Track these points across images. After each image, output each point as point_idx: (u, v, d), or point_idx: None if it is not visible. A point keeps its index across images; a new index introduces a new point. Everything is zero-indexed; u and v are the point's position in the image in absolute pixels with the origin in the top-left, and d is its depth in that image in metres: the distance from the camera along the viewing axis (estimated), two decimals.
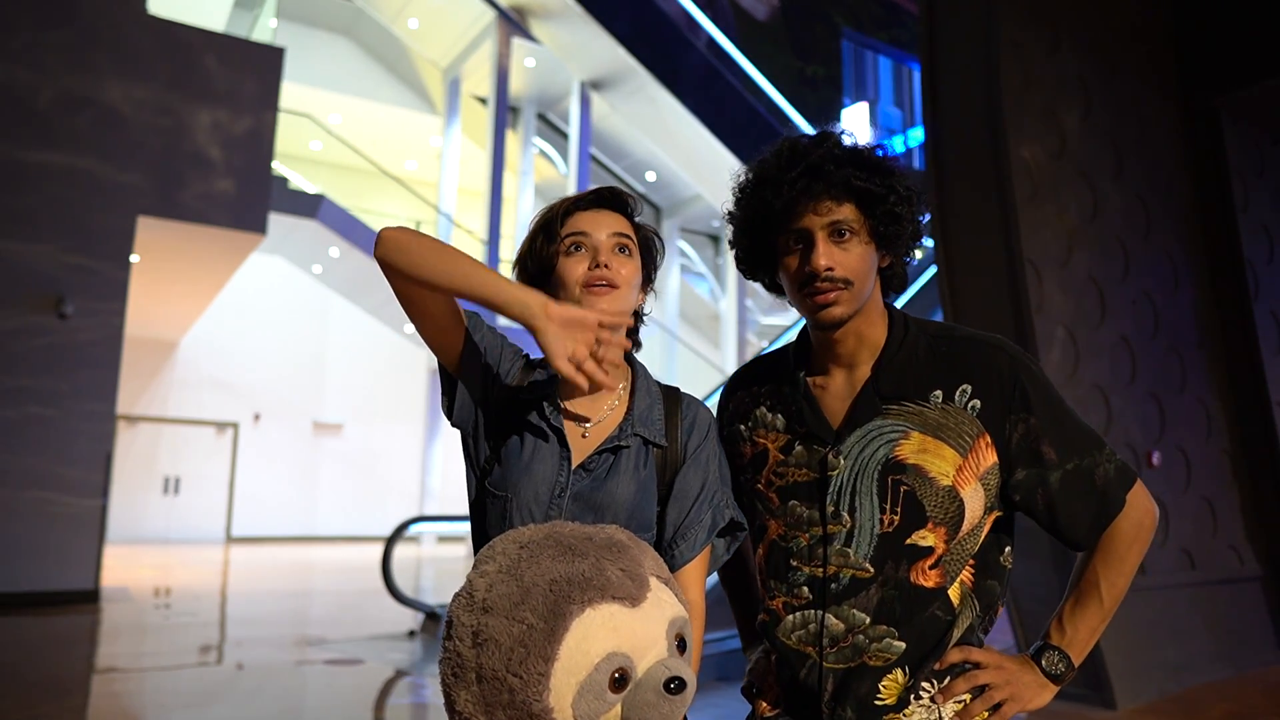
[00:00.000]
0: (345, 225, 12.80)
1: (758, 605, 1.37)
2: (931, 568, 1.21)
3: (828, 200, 1.20)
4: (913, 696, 1.21)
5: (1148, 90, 5.67)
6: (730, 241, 1.35)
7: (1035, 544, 4.31)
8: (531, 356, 1.40)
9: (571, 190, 13.29)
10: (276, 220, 11.48)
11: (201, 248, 9.44)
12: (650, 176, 17.05)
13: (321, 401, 17.30)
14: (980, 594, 1.25)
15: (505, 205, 14.78)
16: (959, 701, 1.22)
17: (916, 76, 11.95)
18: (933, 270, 7.86)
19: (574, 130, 14.82)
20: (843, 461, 1.23)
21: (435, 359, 1.34)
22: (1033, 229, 4.77)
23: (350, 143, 16.21)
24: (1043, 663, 1.24)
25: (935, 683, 1.22)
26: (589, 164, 15.03)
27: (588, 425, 1.30)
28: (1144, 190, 5.48)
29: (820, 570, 1.23)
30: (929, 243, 5.77)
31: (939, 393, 1.23)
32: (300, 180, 14.56)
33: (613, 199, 1.33)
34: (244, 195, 8.90)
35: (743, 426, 1.36)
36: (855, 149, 1.23)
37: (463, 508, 1.62)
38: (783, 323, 17.31)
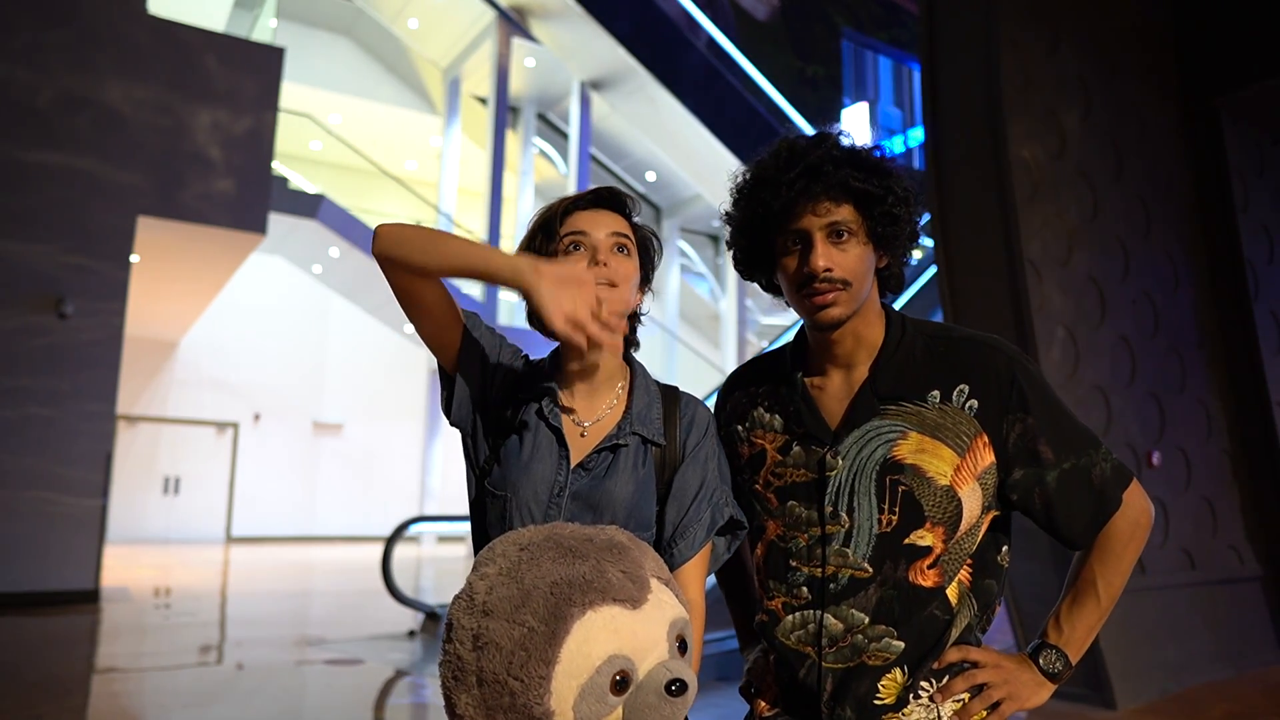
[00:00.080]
0: (345, 225, 12.80)
1: (755, 606, 1.37)
2: (930, 567, 1.21)
3: (826, 201, 1.20)
4: (911, 696, 1.21)
5: (1148, 90, 5.67)
6: (728, 242, 1.35)
7: (1035, 544, 4.31)
8: (531, 357, 1.41)
9: (571, 190, 13.29)
10: (276, 220, 11.49)
11: (201, 248, 9.45)
12: (650, 176, 17.06)
13: (321, 401, 17.30)
14: (978, 593, 1.26)
15: (505, 205, 14.79)
16: (958, 700, 1.22)
17: (916, 76, 11.96)
18: (933, 270, 7.86)
19: (574, 130, 14.82)
20: (841, 462, 1.24)
21: (435, 359, 1.34)
22: (1033, 229, 4.77)
23: (350, 143, 16.21)
24: (1040, 661, 1.24)
25: (934, 682, 1.22)
26: (589, 164, 15.04)
27: (586, 424, 1.30)
28: (1144, 190, 5.48)
29: (819, 570, 1.24)
30: (929, 243, 5.78)
31: (936, 393, 1.23)
32: (300, 180, 14.56)
33: (611, 199, 1.33)
34: (244, 195, 8.90)
35: (740, 427, 1.37)
36: (853, 150, 1.23)
37: (463, 508, 1.62)
38: (782, 323, 17.32)
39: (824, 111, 20.62)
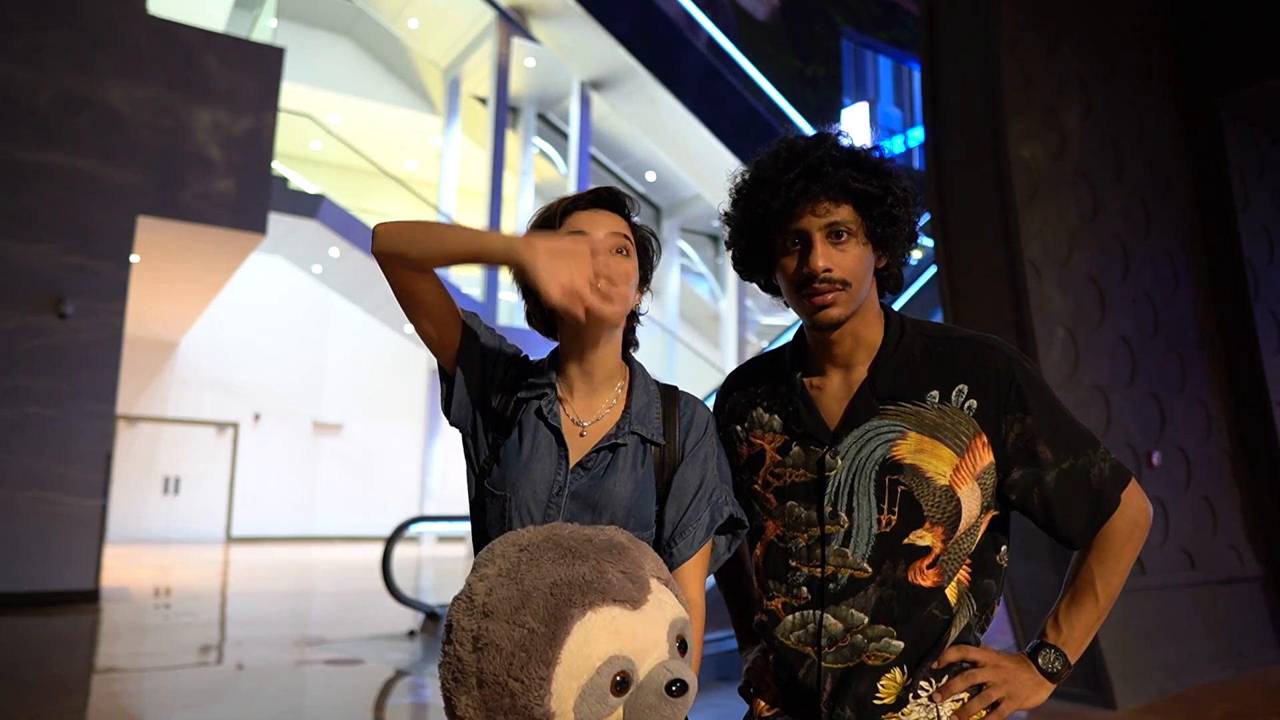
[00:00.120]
0: (345, 225, 12.80)
1: (754, 606, 1.37)
2: (929, 567, 1.21)
3: (825, 201, 1.20)
4: (911, 696, 1.21)
5: (1148, 90, 5.67)
6: (727, 242, 1.35)
7: (1035, 544, 4.31)
8: (530, 357, 1.41)
9: (571, 190, 13.29)
10: (276, 220, 11.49)
11: (201, 248, 9.45)
12: (650, 176, 17.06)
13: (321, 401, 17.30)
14: (977, 593, 1.26)
15: (505, 205, 14.79)
16: (957, 700, 1.22)
17: (916, 76, 11.96)
18: (933, 270, 7.86)
19: (574, 130, 14.82)
20: (840, 462, 1.24)
21: (435, 359, 1.34)
22: (1033, 229, 4.76)
23: (350, 143, 16.21)
24: (1039, 661, 1.24)
25: (933, 682, 1.22)
26: (589, 164, 15.03)
27: (585, 424, 1.30)
28: (1144, 190, 5.48)
29: (819, 570, 1.24)
30: (929, 243, 5.78)
31: (935, 393, 1.23)
32: (300, 180, 14.56)
33: (610, 199, 1.33)
34: (244, 195, 8.90)
35: (739, 427, 1.37)
36: (853, 150, 1.23)
37: (463, 508, 1.62)
38: (782, 323, 17.32)
39: (824, 111, 20.63)
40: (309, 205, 12.55)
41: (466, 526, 1.44)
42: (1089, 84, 5.27)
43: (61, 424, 7.86)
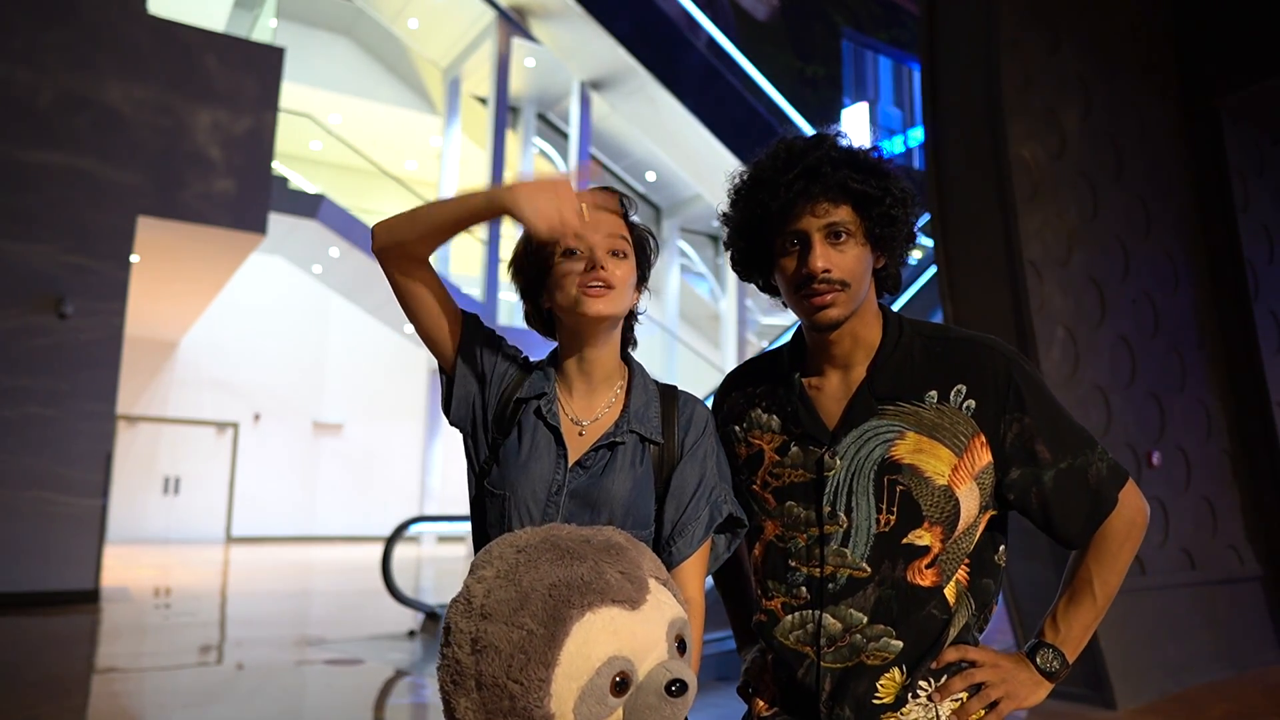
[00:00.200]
0: (345, 225, 12.80)
1: (752, 606, 1.37)
2: (928, 567, 1.22)
3: (824, 202, 1.21)
4: (910, 695, 1.21)
5: (1148, 90, 5.67)
6: (726, 243, 1.35)
7: (1035, 544, 4.31)
8: (530, 358, 1.41)
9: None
10: (276, 220, 11.48)
11: (201, 248, 9.44)
12: (650, 176, 17.05)
13: (321, 401, 17.30)
14: (976, 593, 1.26)
15: None
16: (955, 700, 1.22)
17: (916, 76, 11.96)
18: (933, 270, 7.86)
19: (574, 130, 14.81)
20: (839, 462, 1.24)
21: (435, 359, 1.35)
22: (1033, 229, 4.77)
23: (350, 143, 16.21)
24: (1037, 660, 1.24)
25: (932, 681, 1.23)
26: (589, 164, 15.03)
27: (584, 424, 1.31)
28: (1144, 190, 5.48)
29: (817, 570, 1.24)
30: (929, 242, 5.78)
31: (934, 393, 1.24)
32: (300, 180, 14.56)
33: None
34: (244, 195, 8.90)
35: (738, 428, 1.37)
36: (852, 151, 1.23)
37: (463, 508, 1.62)
38: (782, 323, 17.31)
39: (824, 111, 20.62)
40: (309, 205, 12.54)
41: (466, 526, 1.44)
42: (1089, 84, 5.27)
43: (61, 424, 7.86)
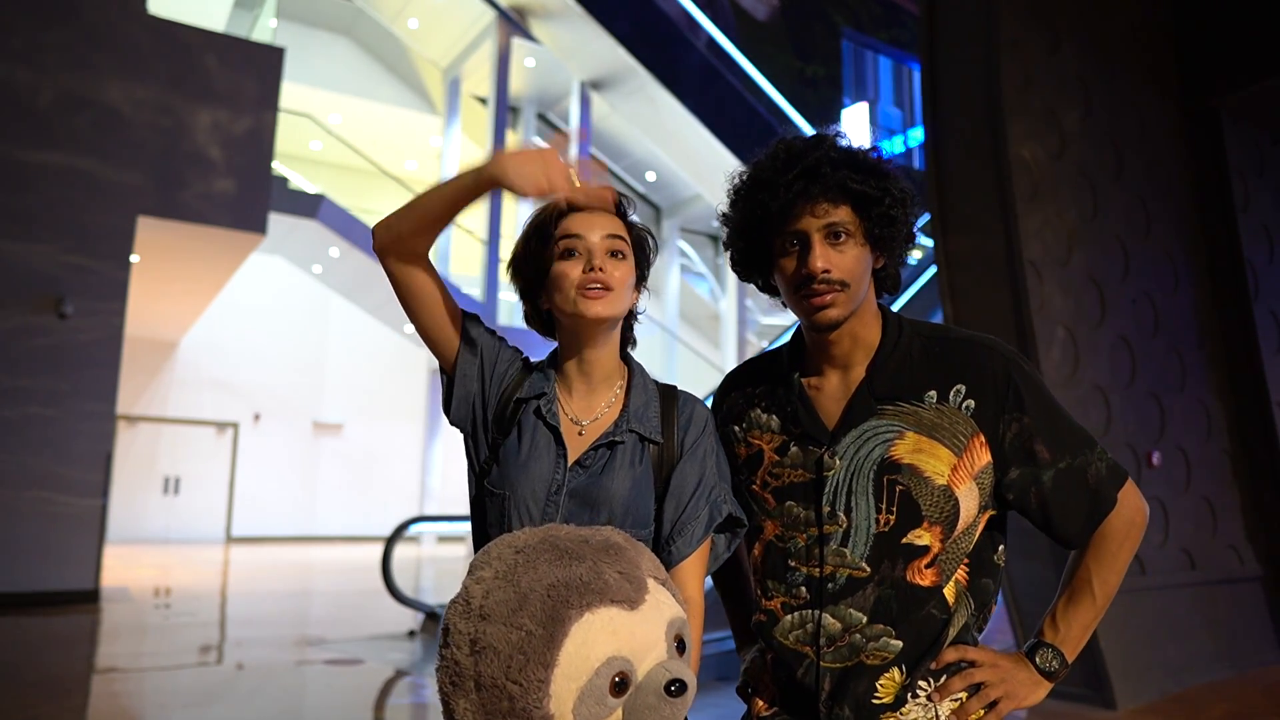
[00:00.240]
0: (345, 225, 12.80)
1: (751, 606, 1.37)
2: (927, 567, 1.22)
3: (824, 203, 1.21)
4: (909, 695, 1.21)
5: (1148, 90, 5.67)
6: (725, 243, 1.35)
7: (1035, 544, 4.31)
8: (531, 359, 1.41)
9: None
10: (276, 220, 11.48)
11: (201, 248, 9.44)
12: (650, 176, 17.05)
13: (321, 401, 17.30)
14: (975, 592, 1.26)
15: (505, 205, 14.79)
16: (955, 700, 1.22)
17: (916, 76, 11.96)
18: (933, 270, 7.86)
19: (574, 130, 14.81)
20: (838, 462, 1.24)
21: (436, 359, 1.35)
22: (1033, 229, 4.77)
23: (350, 143, 16.21)
24: (1036, 660, 1.25)
25: (931, 681, 1.23)
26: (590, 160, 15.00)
27: (584, 424, 1.31)
28: (1144, 190, 5.48)
29: (817, 570, 1.24)
30: (929, 242, 5.78)
31: (933, 393, 1.24)
32: (300, 180, 14.56)
33: None
34: (244, 195, 8.90)
35: (737, 428, 1.37)
36: (851, 151, 1.23)
37: (463, 508, 1.62)
38: (782, 323, 17.31)
39: (824, 111, 20.62)
40: (309, 205, 12.54)
41: (466, 526, 1.44)
42: (1089, 84, 5.27)
43: (61, 424, 7.86)
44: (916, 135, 20.81)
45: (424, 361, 16.75)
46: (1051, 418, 1.24)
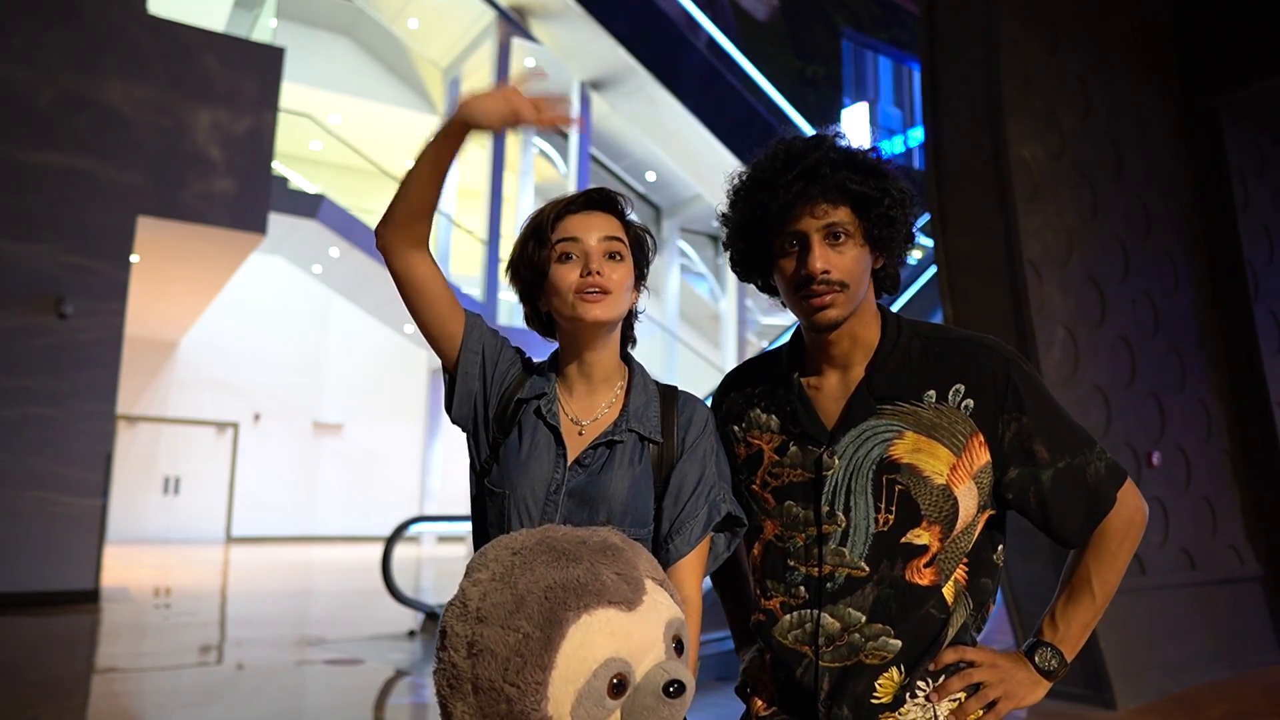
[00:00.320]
0: (345, 225, 12.80)
1: (750, 606, 1.37)
2: (926, 566, 1.22)
3: (823, 203, 1.21)
4: (908, 695, 1.21)
5: (1148, 90, 5.67)
6: (725, 243, 1.35)
7: (1035, 544, 4.31)
8: (533, 359, 1.41)
9: (572, 190, 13.23)
10: (276, 220, 11.48)
11: (201, 248, 9.44)
12: (650, 176, 17.05)
13: (321, 401, 17.30)
14: (974, 592, 1.26)
15: (505, 205, 14.79)
16: (954, 700, 1.22)
17: (916, 76, 11.96)
18: (933, 270, 7.86)
19: (574, 130, 14.81)
20: (837, 461, 1.24)
21: (436, 358, 1.35)
22: (1033, 229, 4.77)
23: (350, 143, 16.21)
24: (1036, 659, 1.25)
25: (930, 682, 1.22)
26: (589, 164, 15.03)
27: (584, 424, 1.31)
28: (1144, 190, 5.48)
29: (816, 570, 1.24)
30: (929, 242, 5.78)
31: (932, 393, 1.24)
32: (300, 180, 14.55)
33: (602, 200, 1.33)
34: (244, 195, 8.90)
35: (736, 428, 1.37)
36: (850, 152, 1.23)
37: (463, 508, 1.63)
38: (782, 323, 17.31)
39: (824, 111, 20.62)
40: (309, 205, 12.54)
41: (467, 526, 1.44)
42: (1089, 84, 5.27)
43: (61, 424, 7.86)
44: (916, 135, 20.81)
45: (424, 361, 16.75)
46: (1050, 417, 1.24)
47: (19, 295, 7.78)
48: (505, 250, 14.62)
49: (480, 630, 0.97)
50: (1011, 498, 1.25)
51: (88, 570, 7.88)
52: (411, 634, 6.87)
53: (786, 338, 1.42)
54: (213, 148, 8.77)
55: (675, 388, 1.37)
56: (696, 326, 18.17)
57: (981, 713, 1.22)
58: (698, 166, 15.26)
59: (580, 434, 1.30)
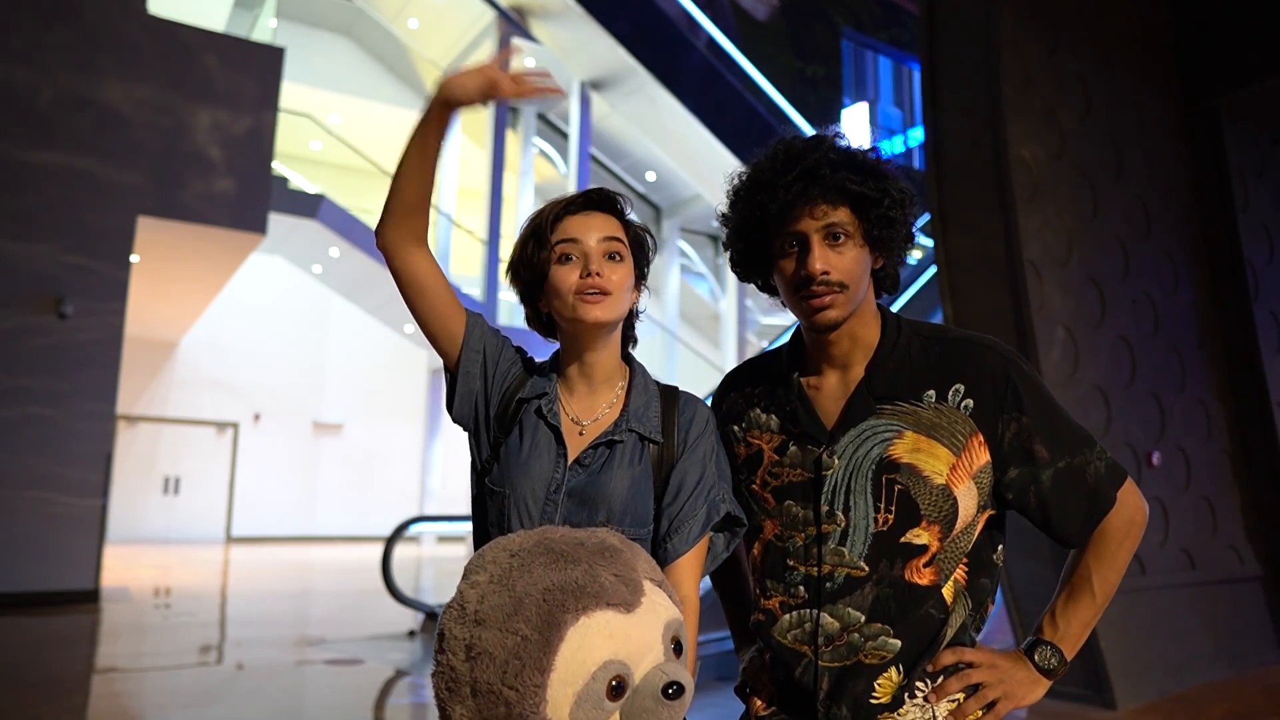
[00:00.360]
0: (345, 225, 12.80)
1: (750, 605, 1.37)
2: (926, 566, 1.22)
3: (823, 204, 1.21)
4: (907, 695, 1.21)
5: (1148, 90, 5.67)
6: (725, 243, 1.35)
7: (1035, 544, 4.31)
8: (536, 359, 1.41)
9: (572, 190, 13.22)
10: (276, 220, 11.48)
11: (201, 248, 9.45)
12: (650, 176, 17.05)
13: (321, 401, 17.30)
14: (973, 592, 1.26)
15: (505, 205, 14.78)
16: (952, 701, 1.22)
17: (916, 76, 11.96)
18: (933, 270, 7.85)
19: (574, 130, 14.81)
20: (837, 461, 1.24)
21: (437, 358, 1.36)
22: (1033, 229, 4.76)
23: (350, 143, 16.20)
24: (1035, 658, 1.25)
25: (929, 682, 1.23)
26: (589, 164, 15.03)
27: (585, 424, 1.31)
28: (1144, 190, 5.48)
29: (815, 569, 1.24)
30: (929, 242, 5.77)
31: (932, 392, 1.24)
32: (300, 180, 14.55)
33: (602, 200, 1.33)
34: (244, 195, 8.90)
35: (736, 428, 1.37)
36: (850, 152, 1.23)
37: (463, 508, 1.63)
38: (782, 323, 17.31)
39: (824, 111, 20.62)
40: (309, 205, 12.54)
41: (467, 526, 1.45)
42: (1089, 84, 5.27)
43: (61, 424, 7.86)
44: (916, 135, 20.81)
45: (424, 361, 16.76)
46: (1050, 417, 1.24)
47: (19, 295, 7.78)
48: (505, 250, 14.61)
49: (478, 633, 0.96)
50: (1012, 498, 1.25)
51: (88, 570, 7.88)
52: (411, 634, 6.87)
53: (786, 338, 1.42)
54: (213, 148, 8.77)
55: (676, 388, 1.37)
56: (696, 326, 18.17)
57: (980, 713, 1.22)
58: (698, 166, 15.26)
59: (581, 434, 1.30)
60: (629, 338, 1.38)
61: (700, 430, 1.32)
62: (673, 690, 0.96)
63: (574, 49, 14.15)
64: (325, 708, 5.02)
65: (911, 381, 1.25)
